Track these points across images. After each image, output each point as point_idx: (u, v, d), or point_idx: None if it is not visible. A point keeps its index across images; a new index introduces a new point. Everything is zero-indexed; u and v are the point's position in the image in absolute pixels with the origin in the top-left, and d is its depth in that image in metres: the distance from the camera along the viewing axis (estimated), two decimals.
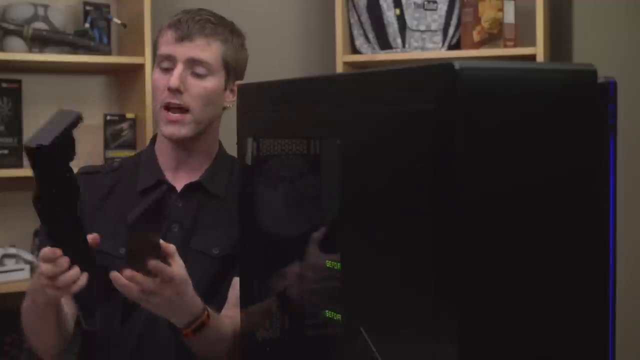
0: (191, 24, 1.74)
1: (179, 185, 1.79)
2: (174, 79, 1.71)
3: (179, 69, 1.72)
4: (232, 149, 1.72)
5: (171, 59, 1.74)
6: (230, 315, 1.66)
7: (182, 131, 1.74)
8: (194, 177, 1.80)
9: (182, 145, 1.78)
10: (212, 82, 1.75)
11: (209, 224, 1.76)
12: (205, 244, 1.74)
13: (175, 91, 1.72)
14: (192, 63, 1.73)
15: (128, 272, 1.38)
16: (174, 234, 1.74)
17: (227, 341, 1.62)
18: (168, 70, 1.74)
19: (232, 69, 1.79)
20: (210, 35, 1.75)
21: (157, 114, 1.78)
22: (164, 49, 1.75)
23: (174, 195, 1.78)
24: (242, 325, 1.42)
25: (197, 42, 1.74)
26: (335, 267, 1.15)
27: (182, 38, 1.73)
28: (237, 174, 1.77)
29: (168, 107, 1.73)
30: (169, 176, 1.80)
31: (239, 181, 1.47)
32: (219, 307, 1.68)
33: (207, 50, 1.74)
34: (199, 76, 1.74)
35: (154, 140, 1.86)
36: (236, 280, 1.67)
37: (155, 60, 1.79)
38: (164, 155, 1.81)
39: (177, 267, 1.43)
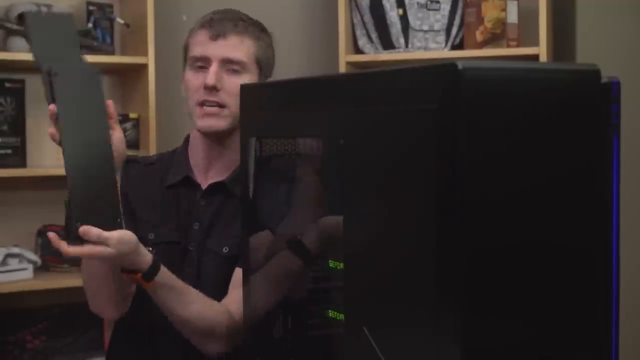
0: (225, 22, 1.76)
1: (204, 184, 1.81)
2: (211, 77, 1.73)
3: (214, 67, 1.74)
4: None
5: (205, 59, 1.76)
6: (225, 302, 1.69)
7: (220, 123, 1.75)
8: (221, 176, 1.81)
9: (215, 142, 1.79)
10: (246, 79, 1.76)
11: (226, 224, 1.77)
12: (217, 244, 1.76)
13: (212, 89, 1.73)
14: (226, 62, 1.75)
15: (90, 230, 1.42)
16: (194, 231, 1.77)
17: (194, 319, 1.64)
18: (202, 69, 1.76)
19: (264, 66, 1.82)
20: (243, 32, 1.77)
21: (190, 113, 1.79)
22: (197, 50, 1.77)
23: (199, 193, 1.80)
24: (244, 307, 1.43)
25: (230, 40, 1.75)
26: (338, 267, 1.15)
27: (216, 36, 1.75)
28: None
29: (203, 104, 1.75)
30: (198, 176, 1.82)
31: (242, 182, 1.47)
32: None
33: (240, 48, 1.76)
34: (234, 72, 1.75)
35: (187, 140, 1.88)
36: (237, 270, 1.69)
37: (187, 62, 1.81)
38: (196, 156, 1.83)
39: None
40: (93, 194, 1.43)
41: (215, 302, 1.67)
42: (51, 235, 1.43)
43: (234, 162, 1.80)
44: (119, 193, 1.47)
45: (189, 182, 1.81)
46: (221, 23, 1.76)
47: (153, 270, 1.55)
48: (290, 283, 1.35)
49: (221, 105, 1.74)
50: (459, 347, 0.92)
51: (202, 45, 1.76)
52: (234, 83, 1.74)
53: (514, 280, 0.94)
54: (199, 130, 1.79)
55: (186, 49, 1.83)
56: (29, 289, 2.86)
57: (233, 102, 1.74)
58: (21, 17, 1.49)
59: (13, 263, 2.85)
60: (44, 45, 1.47)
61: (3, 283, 2.79)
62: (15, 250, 2.88)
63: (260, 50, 1.80)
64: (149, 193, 1.82)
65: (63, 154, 1.42)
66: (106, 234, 1.42)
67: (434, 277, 0.95)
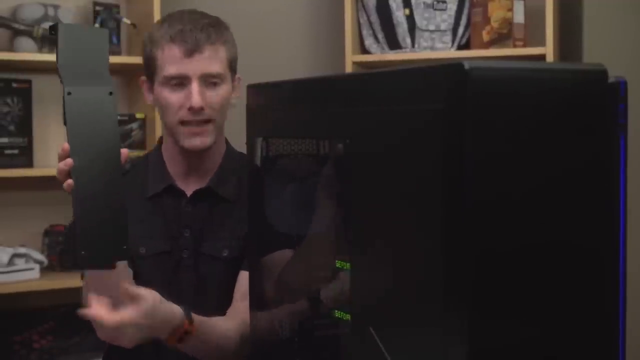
0: (196, 34, 1.69)
1: (188, 190, 1.77)
2: (196, 98, 1.67)
3: (196, 86, 1.68)
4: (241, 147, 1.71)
5: (183, 77, 1.69)
6: (236, 311, 1.66)
7: (206, 140, 1.71)
8: (203, 181, 1.78)
9: (195, 154, 1.76)
10: (225, 88, 1.73)
11: (219, 227, 1.75)
12: (215, 247, 1.74)
13: (199, 109, 1.68)
14: (206, 77, 1.70)
15: (92, 310, 1.37)
16: (185, 238, 1.75)
17: (227, 341, 1.61)
18: (180, 87, 1.70)
19: (234, 66, 1.78)
20: (216, 41, 1.71)
21: (169, 128, 1.74)
22: (172, 69, 1.69)
23: (184, 200, 1.77)
24: (251, 324, 1.43)
25: (206, 52, 1.69)
26: (345, 267, 1.15)
27: (191, 52, 1.68)
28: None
29: (187, 123, 1.70)
30: (179, 182, 1.78)
31: (249, 182, 1.46)
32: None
33: (217, 59, 1.71)
34: (214, 85, 1.71)
35: (160, 144, 1.84)
36: (242, 275, 1.68)
37: (156, 78, 1.73)
38: (174, 162, 1.79)
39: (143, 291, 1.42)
40: (101, 220, 1.38)
41: (234, 321, 1.64)
42: (89, 313, 1.37)
43: (213, 164, 1.79)
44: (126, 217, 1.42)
45: (172, 190, 1.77)
46: (193, 35, 1.68)
47: (188, 310, 1.51)
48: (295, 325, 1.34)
49: (207, 121, 1.71)
50: (466, 348, 0.92)
51: (177, 63, 1.68)
52: (216, 96, 1.70)
53: (521, 280, 0.94)
54: (183, 148, 1.73)
55: (153, 62, 1.73)
56: (35, 289, 2.87)
57: (218, 115, 1.71)
58: (53, 28, 1.43)
59: (20, 263, 2.86)
60: (69, 61, 1.42)
61: (10, 283, 2.80)
62: (22, 250, 2.88)
63: (230, 53, 1.74)
64: (130, 205, 1.69)
65: (72, 178, 1.37)
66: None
67: (441, 277, 0.95)
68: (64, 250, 2.98)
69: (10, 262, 2.84)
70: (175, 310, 1.49)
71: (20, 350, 2.92)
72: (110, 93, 1.41)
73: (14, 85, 2.95)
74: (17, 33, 2.89)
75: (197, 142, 1.71)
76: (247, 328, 1.53)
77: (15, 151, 2.93)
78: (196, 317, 1.53)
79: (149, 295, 1.41)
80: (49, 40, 2.90)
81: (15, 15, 2.94)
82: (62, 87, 1.40)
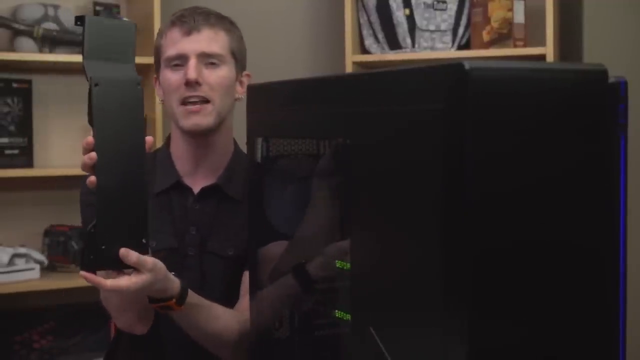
0: (196, 16, 1.72)
1: (196, 188, 1.77)
2: (191, 71, 1.68)
3: (193, 61, 1.69)
4: (241, 147, 1.71)
5: (182, 56, 1.71)
6: (239, 306, 1.67)
7: (205, 120, 1.71)
8: (211, 178, 1.78)
9: (201, 143, 1.75)
10: (225, 71, 1.73)
11: (225, 226, 1.75)
12: (220, 246, 1.74)
13: (195, 83, 1.69)
14: (204, 56, 1.71)
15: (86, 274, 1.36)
16: (192, 236, 1.75)
17: (225, 329, 1.62)
18: (179, 67, 1.72)
19: (239, 58, 1.79)
20: (216, 25, 1.74)
21: (171, 113, 1.75)
22: (172, 50, 1.73)
23: (191, 197, 1.77)
24: (251, 315, 1.43)
25: (204, 33, 1.72)
26: (345, 267, 1.15)
27: (189, 31, 1.71)
28: None
29: (185, 102, 1.71)
30: (186, 178, 1.78)
31: (249, 182, 1.47)
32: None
33: (216, 40, 1.73)
34: (213, 65, 1.72)
35: (168, 141, 1.84)
36: (247, 274, 1.69)
37: (161, 65, 1.76)
38: (181, 157, 1.79)
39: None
40: (122, 214, 1.36)
41: (235, 312, 1.65)
42: (90, 277, 1.36)
43: (221, 162, 1.79)
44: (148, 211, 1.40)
45: (179, 186, 1.77)
46: (192, 18, 1.72)
47: (185, 292, 1.52)
48: (290, 305, 1.33)
49: (205, 101, 1.70)
50: (466, 348, 0.92)
51: (176, 43, 1.72)
52: (215, 76, 1.71)
53: (521, 280, 0.94)
54: (184, 131, 1.73)
55: (158, 51, 1.78)
56: (35, 289, 2.87)
57: (216, 96, 1.71)
58: (79, 19, 1.43)
59: (20, 263, 2.86)
60: (95, 53, 1.41)
61: (10, 283, 2.80)
62: (22, 250, 2.88)
63: (234, 42, 1.76)
64: None
65: (95, 170, 1.34)
66: (143, 258, 1.37)
67: (440, 277, 0.95)
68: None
69: (10, 262, 2.83)
70: (174, 285, 1.49)
71: (20, 350, 2.92)
72: (138, 84, 1.40)
73: (14, 85, 2.95)
74: (17, 33, 2.89)
75: (194, 120, 1.70)
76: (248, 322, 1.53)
77: (15, 151, 2.93)
78: (192, 301, 1.54)
79: (156, 263, 1.42)
80: (49, 40, 2.90)
81: (15, 15, 2.94)
82: (88, 78, 1.37)
